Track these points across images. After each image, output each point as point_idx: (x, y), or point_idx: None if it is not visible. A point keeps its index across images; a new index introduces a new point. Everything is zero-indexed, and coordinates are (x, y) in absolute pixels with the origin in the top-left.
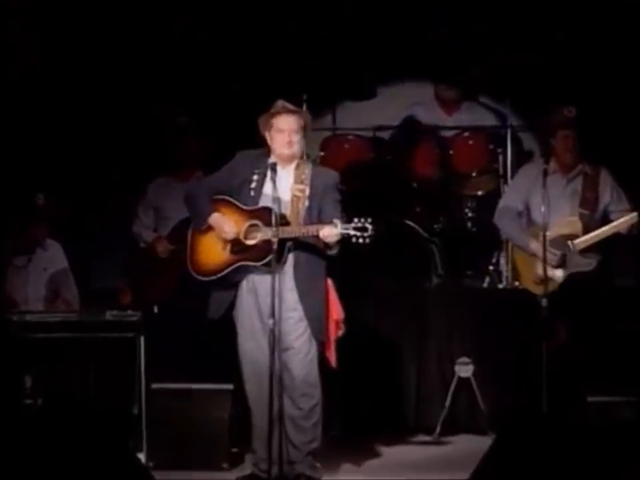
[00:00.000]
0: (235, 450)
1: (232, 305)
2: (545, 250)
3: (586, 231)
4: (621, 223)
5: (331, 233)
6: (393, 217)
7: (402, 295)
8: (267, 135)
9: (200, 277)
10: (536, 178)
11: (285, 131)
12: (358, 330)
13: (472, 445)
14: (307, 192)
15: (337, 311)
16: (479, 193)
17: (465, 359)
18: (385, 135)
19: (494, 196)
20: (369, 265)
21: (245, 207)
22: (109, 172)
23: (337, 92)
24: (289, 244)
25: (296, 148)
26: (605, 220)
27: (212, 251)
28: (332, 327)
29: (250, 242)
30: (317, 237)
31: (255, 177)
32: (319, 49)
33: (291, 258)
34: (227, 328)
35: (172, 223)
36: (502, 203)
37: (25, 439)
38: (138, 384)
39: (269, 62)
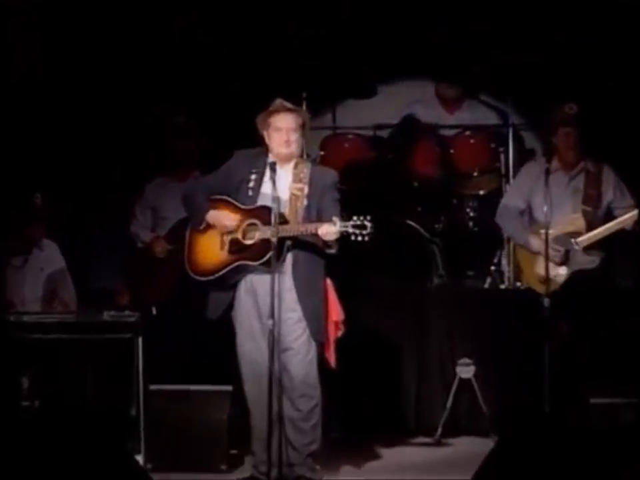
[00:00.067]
0: (234, 452)
1: (230, 306)
2: (547, 248)
3: (589, 228)
4: (625, 219)
5: (329, 230)
6: (393, 217)
7: (403, 295)
8: (264, 133)
9: (197, 277)
10: (538, 176)
11: (282, 130)
12: (358, 331)
13: (473, 447)
14: (306, 191)
15: (336, 311)
16: (481, 192)
17: (466, 360)
18: (386, 133)
19: (496, 195)
20: (369, 265)
21: (242, 207)
22: (107, 172)
23: (337, 90)
24: (287, 243)
25: (294, 147)
26: (609, 217)
27: (210, 251)
28: (331, 327)
29: (248, 241)
30: (316, 235)
31: (253, 177)
32: (318, 48)
33: (289, 257)
34: (225, 329)
35: (170, 222)
36: (503, 202)
37: (22, 440)
38: (136, 385)
39: (269, 60)
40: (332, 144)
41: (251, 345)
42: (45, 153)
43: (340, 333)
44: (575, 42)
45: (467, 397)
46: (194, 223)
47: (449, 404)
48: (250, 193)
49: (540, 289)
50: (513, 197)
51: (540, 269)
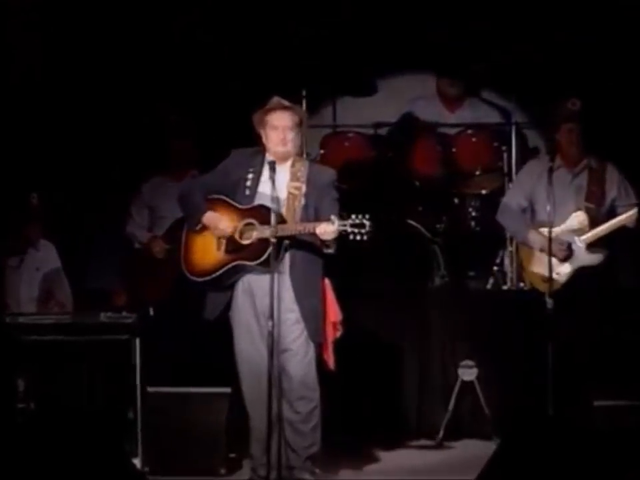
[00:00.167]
0: (232, 455)
1: (228, 306)
2: (550, 246)
3: (592, 225)
4: (625, 217)
5: (327, 229)
6: (394, 217)
7: (404, 296)
8: (261, 132)
9: (194, 278)
10: (540, 174)
11: (279, 128)
12: (359, 332)
13: (476, 450)
14: (304, 190)
15: (334, 312)
16: (483, 191)
17: (468, 362)
18: (386, 132)
19: (498, 195)
20: (370, 266)
21: (240, 206)
22: (105, 171)
23: (337, 88)
24: (285, 243)
25: (290, 145)
26: (612, 214)
27: (206, 251)
28: (329, 328)
29: (245, 241)
30: (314, 235)
31: (250, 176)
32: (318, 45)
33: (287, 257)
34: (224, 330)
35: (167, 222)
36: (505, 200)
37: (18, 443)
38: (133, 387)
39: (268, 58)
40: (332, 142)
41: (248, 346)
42: (41, 152)
43: (338, 334)
44: (577, 39)
45: (469, 400)
46: (190, 223)
47: (450, 406)
48: (247, 192)
49: (542, 287)
50: (514, 195)
51: (542, 268)
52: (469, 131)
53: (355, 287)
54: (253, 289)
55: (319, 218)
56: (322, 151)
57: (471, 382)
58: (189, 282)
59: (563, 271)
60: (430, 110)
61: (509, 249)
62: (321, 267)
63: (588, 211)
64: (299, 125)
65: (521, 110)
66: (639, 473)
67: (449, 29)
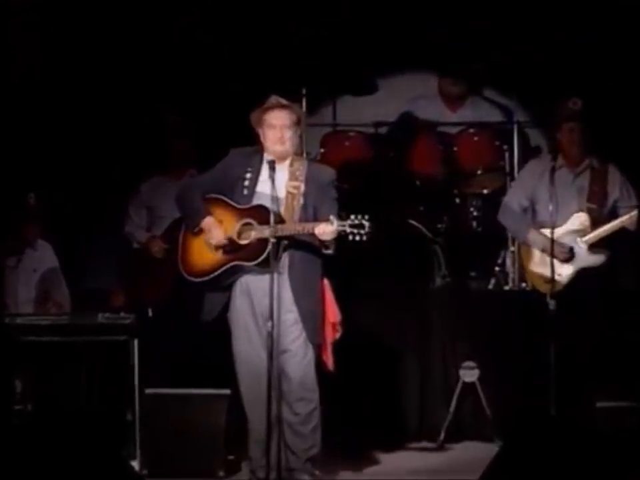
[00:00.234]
0: (231, 457)
1: (226, 307)
2: (552, 246)
3: (594, 225)
4: (625, 219)
5: (326, 230)
6: (395, 216)
7: (404, 296)
8: (259, 131)
9: (192, 279)
10: (542, 174)
11: (276, 127)
12: (359, 333)
13: (477, 452)
14: (302, 189)
15: (333, 312)
16: (485, 191)
17: (469, 363)
18: (387, 131)
19: (500, 194)
20: (370, 266)
21: (238, 206)
22: (103, 171)
23: (338, 87)
24: (283, 243)
25: (288, 144)
26: (613, 215)
27: (204, 252)
28: (328, 329)
29: (243, 241)
30: (313, 235)
31: (248, 175)
32: (319, 45)
33: (285, 258)
34: (223, 331)
35: (166, 222)
36: (506, 200)
37: (15, 445)
38: (131, 389)
39: (268, 57)
40: (332, 141)
41: (246, 347)
42: (39, 152)
43: (338, 335)
44: (577, 39)
45: (471, 401)
46: (188, 223)
47: (452, 408)
48: (245, 192)
49: (544, 288)
50: (515, 195)
51: (544, 269)
52: (471, 130)
53: (355, 288)
54: (251, 290)
55: (317, 218)
56: (322, 150)
57: (473, 383)
58: (188, 282)
59: (565, 272)
60: (431, 109)
61: (511, 249)
62: (320, 268)
63: (590, 212)
64: (297, 123)
65: (522, 109)
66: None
67: (449, 28)
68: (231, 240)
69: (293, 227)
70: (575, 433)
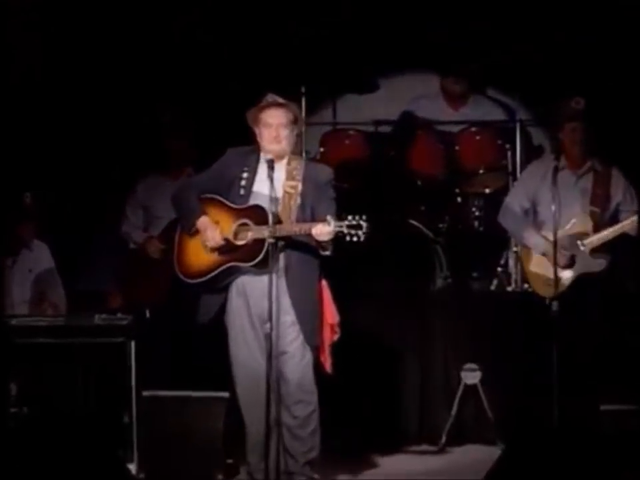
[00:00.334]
0: (230, 461)
1: (223, 309)
2: (555, 249)
3: (596, 229)
4: (628, 223)
5: (323, 230)
6: (395, 216)
7: (405, 297)
8: (256, 130)
9: (188, 280)
10: (544, 175)
11: (272, 126)
12: (359, 334)
13: (479, 456)
14: (299, 189)
15: (331, 314)
16: (487, 190)
17: (471, 365)
18: (387, 129)
19: (502, 194)
20: (370, 266)
21: (234, 206)
22: (100, 171)
23: (338, 85)
24: (280, 243)
25: (285, 143)
26: (615, 219)
27: (200, 252)
28: (326, 330)
29: (240, 242)
30: (310, 235)
31: (245, 175)
32: (319, 44)
33: (282, 259)
34: (221, 333)
35: (163, 222)
36: (507, 201)
37: (10, 448)
38: (128, 391)
39: (268, 56)
40: (332, 140)
41: (243, 349)
42: (36, 151)
43: (336, 337)
44: (580, 38)
45: (473, 404)
46: (184, 225)
47: (453, 411)
48: (242, 191)
49: (544, 292)
50: (516, 196)
51: (545, 271)
52: (472, 129)
53: (355, 288)
54: (247, 291)
55: (315, 218)
56: (322, 149)
57: (474, 385)
58: (184, 284)
59: (565, 275)
60: (433, 108)
61: (513, 249)
62: (318, 268)
63: (592, 215)
64: (294, 122)
65: (525, 107)
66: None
67: (449, 28)
68: (227, 240)
69: (289, 228)
70: (578, 436)
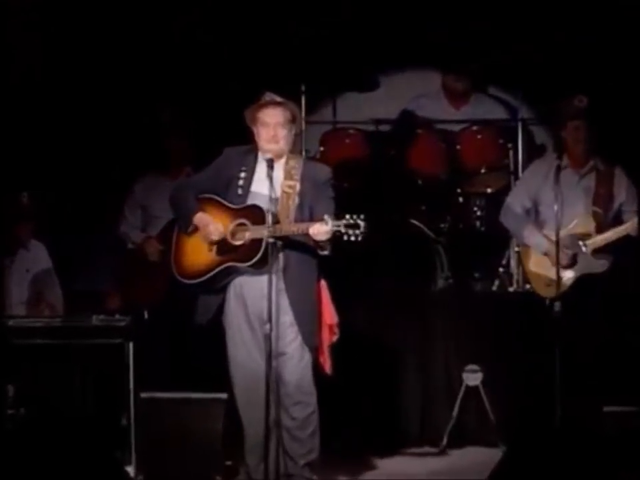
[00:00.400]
0: (228, 463)
1: (220, 309)
2: (558, 249)
3: (599, 229)
4: (630, 225)
5: (320, 230)
6: (396, 216)
7: (406, 298)
8: (254, 129)
9: (185, 280)
10: (546, 174)
11: (270, 125)
12: (359, 336)
13: (480, 458)
14: (298, 188)
15: (330, 314)
16: (488, 190)
17: (473, 367)
18: (388, 129)
19: (504, 193)
20: (371, 266)
21: (231, 206)
22: (98, 170)
23: (338, 84)
24: (278, 243)
25: (282, 143)
26: (618, 219)
27: (198, 253)
28: (325, 331)
29: (237, 242)
30: (308, 235)
31: (243, 175)
32: (319, 44)
33: (280, 259)
34: (220, 334)
35: (162, 222)
36: (508, 200)
37: (7, 451)
38: (126, 393)
39: (268, 54)
40: (332, 139)
41: (241, 350)
42: (33, 151)
43: (335, 338)
44: (579, 38)
45: (474, 405)
46: (182, 225)
47: (455, 412)
48: (239, 191)
49: (545, 292)
50: (518, 195)
51: (546, 272)
52: (474, 128)
53: (356, 289)
54: (245, 292)
55: (313, 217)
56: (322, 148)
57: (476, 387)
58: (182, 284)
59: (567, 276)
60: (434, 106)
61: (515, 249)
62: (316, 269)
63: (595, 215)
64: (292, 121)
65: (527, 106)
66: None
67: (449, 28)
68: (224, 241)
69: (287, 228)
70: (580, 437)
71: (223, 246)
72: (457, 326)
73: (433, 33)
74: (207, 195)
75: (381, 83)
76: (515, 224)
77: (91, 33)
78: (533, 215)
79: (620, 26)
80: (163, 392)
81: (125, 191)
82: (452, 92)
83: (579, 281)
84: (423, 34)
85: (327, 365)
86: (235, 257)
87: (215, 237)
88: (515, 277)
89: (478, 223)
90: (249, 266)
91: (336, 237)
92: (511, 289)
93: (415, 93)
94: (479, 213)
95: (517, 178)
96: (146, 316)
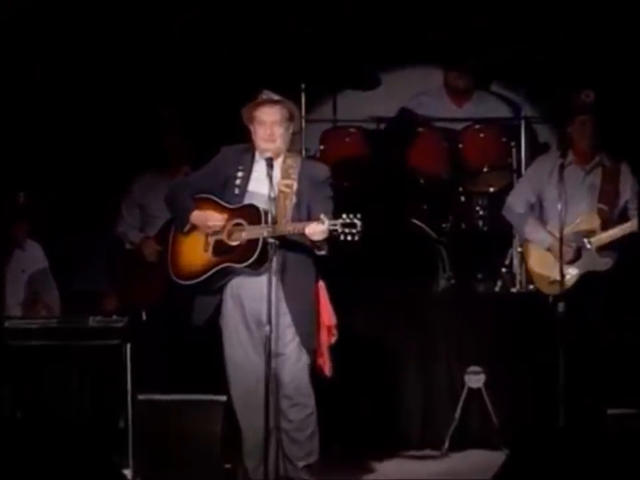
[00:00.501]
0: (228, 466)
1: (217, 310)
2: (561, 247)
3: (604, 227)
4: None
5: (316, 230)
6: (397, 216)
7: (407, 299)
8: (251, 128)
9: (181, 281)
10: (551, 171)
11: (266, 123)
12: (360, 337)
13: (483, 461)
14: (295, 187)
15: (328, 316)
16: (491, 189)
17: (475, 368)
18: (389, 127)
19: (506, 193)
20: (372, 267)
21: (228, 206)
22: (95, 169)
23: (338, 81)
24: (275, 244)
25: (279, 142)
26: (624, 216)
27: (193, 253)
28: (324, 332)
29: (233, 242)
30: (304, 235)
31: (240, 174)
32: (319, 42)
33: (277, 259)
34: (218, 335)
35: (160, 222)
36: (512, 194)
37: (2, 454)
38: (124, 395)
39: (268, 52)
40: (332, 138)
41: (238, 351)
42: (30, 150)
43: (333, 339)
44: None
45: (476, 408)
46: (178, 224)
47: (457, 415)
48: (236, 191)
49: (548, 290)
50: (522, 190)
51: (549, 269)
52: (476, 126)
53: (356, 290)
54: (241, 293)
55: (311, 217)
56: (322, 147)
57: (478, 389)
58: (179, 285)
59: (571, 272)
60: (436, 104)
61: (518, 249)
62: (314, 269)
63: (600, 213)
64: (289, 119)
65: (531, 103)
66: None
67: (450, 25)
68: (220, 241)
69: (283, 228)
70: (584, 440)
71: (219, 246)
72: (459, 327)
73: (433, 31)
74: (203, 195)
75: (382, 81)
76: (518, 218)
77: (89, 32)
78: (538, 210)
79: (622, 21)
80: (161, 394)
81: (123, 191)
82: (454, 89)
83: (583, 279)
84: (423, 31)
85: (327, 367)
86: (232, 257)
87: (217, 229)
88: (518, 277)
89: (480, 223)
90: (245, 267)
91: (333, 237)
92: (513, 290)
93: (415, 91)
94: (481, 213)
95: (519, 177)
96: (144, 317)
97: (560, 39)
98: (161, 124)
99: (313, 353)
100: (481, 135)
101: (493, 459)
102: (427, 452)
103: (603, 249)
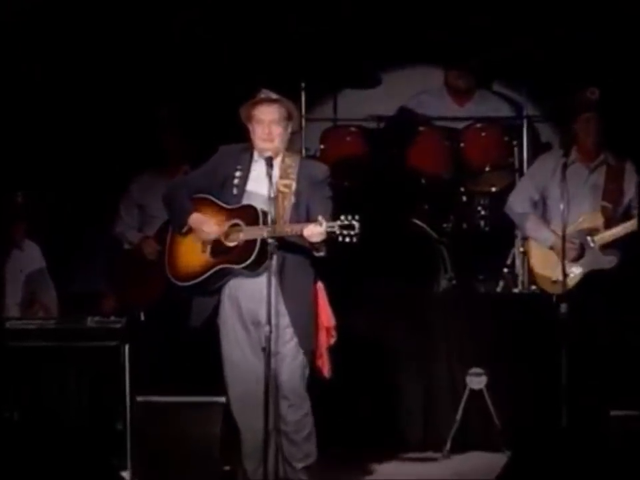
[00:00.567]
0: (227, 468)
1: (215, 312)
2: (564, 246)
3: (608, 225)
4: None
5: (314, 231)
6: (398, 216)
7: (408, 299)
8: (249, 127)
9: (179, 282)
10: (554, 169)
11: (264, 122)
12: (361, 338)
13: (485, 463)
14: (294, 187)
15: (327, 317)
16: (493, 189)
17: (477, 370)
18: (389, 126)
19: (508, 193)
20: (373, 267)
21: (225, 206)
22: (93, 169)
23: (339, 80)
24: (273, 244)
25: (277, 141)
26: (627, 215)
27: (192, 254)
28: (322, 334)
29: (231, 243)
30: (302, 236)
31: (238, 174)
32: (319, 40)
33: (276, 260)
34: (217, 336)
35: (159, 222)
36: (515, 192)
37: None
38: (122, 397)
39: (268, 51)
40: (332, 137)
41: (236, 352)
42: (28, 150)
43: (332, 341)
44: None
45: (478, 409)
46: (176, 225)
47: (458, 416)
48: (235, 191)
49: (551, 289)
50: (525, 188)
51: (552, 268)
52: (478, 125)
53: (357, 290)
54: (239, 294)
55: (310, 217)
56: (322, 146)
57: (480, 390)
58: (177, 286)
59: (574, 271)
60: (438, 104)
61: (520, 249)
62: (312, 270)
63: (604, 211)
64: (288, 118)
65: (533, 102)
66: None
67: (450, 23)
68: (218, 242)
69: (281, 229)
70: (586, 442)
71: (216, 247)
72: (460, 328)
73: (433, 29)
74: (200, 195)
75: (382, 80)
76: (522, 216)
77: (89, 32)
78: (541, 208)
79: (625, 17)
80: (160, 395)
81: (122, 190)
82: (455, 89)
83: (586, 278)
84: (424, 30)
85: (326, 369)
86: (229, 258)
87: (211, 237)
88: (520, 277)
89: (482, 223)
90: (242, 268)
91: (331, 239)
92: (515, 290)
93: (416, 90)
94: (483, 213)
95: (521, 176)
96: (142, 318)
97: (561, 35)
98: (160, 123)
99: (311, 354)
100: (483, 134)
101: (495, 460)
102: (429, 453)
103: (606, 247)
